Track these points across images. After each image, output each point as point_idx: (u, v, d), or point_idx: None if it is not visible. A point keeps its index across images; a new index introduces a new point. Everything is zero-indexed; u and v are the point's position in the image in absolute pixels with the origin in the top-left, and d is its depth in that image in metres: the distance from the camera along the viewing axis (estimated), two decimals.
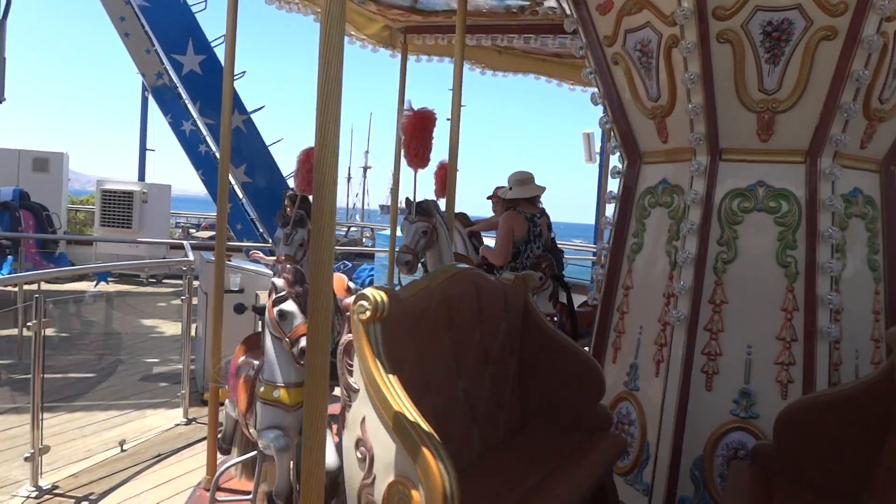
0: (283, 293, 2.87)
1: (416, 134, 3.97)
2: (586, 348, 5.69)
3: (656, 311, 3.37)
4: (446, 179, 4.92)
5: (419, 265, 4.60)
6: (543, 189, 5.27)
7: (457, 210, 5.30)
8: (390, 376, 2.13)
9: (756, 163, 3.16)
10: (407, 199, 4.26)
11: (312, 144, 4.38)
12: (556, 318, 4.85)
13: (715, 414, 3.13)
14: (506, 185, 5.38)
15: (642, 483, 3.29)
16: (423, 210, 4.06)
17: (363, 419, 2.17)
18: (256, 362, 3.19)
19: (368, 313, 2.19)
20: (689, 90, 3.07)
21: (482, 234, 6.09)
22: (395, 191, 6.15)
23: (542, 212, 5.25)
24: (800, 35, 2.88)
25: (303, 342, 2.71)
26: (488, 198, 6.08)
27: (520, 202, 5.18)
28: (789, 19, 2.87)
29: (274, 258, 4.00)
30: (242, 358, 3.37)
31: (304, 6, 5.16)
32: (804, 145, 3.09)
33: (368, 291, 2.23)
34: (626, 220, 3.68)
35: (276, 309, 2.85)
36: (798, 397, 2.96)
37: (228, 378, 3.45)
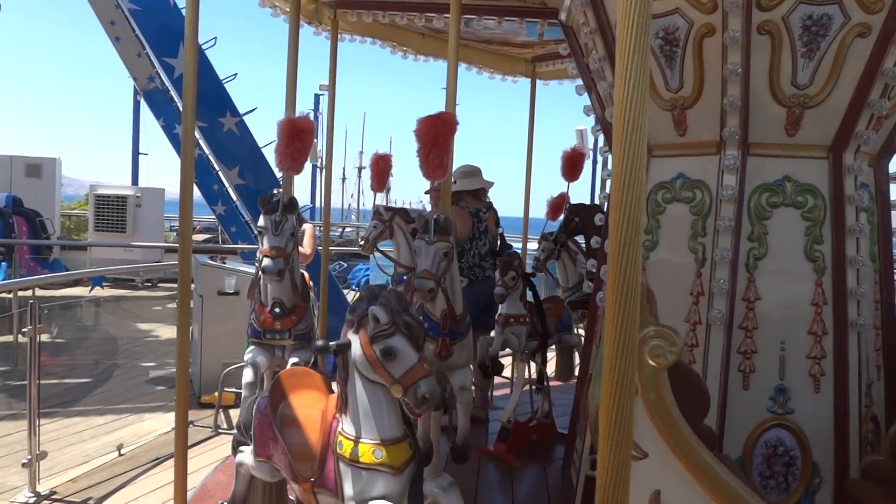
0: (386, 326, 2.28)
1: (437, 141, 3.40)
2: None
3: (681, 311, 3.26)
4: (382, 174, 4.82)
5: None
6: (491, 183, 5.05)
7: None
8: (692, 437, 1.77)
9: (783, 157, 3.15)
10: (425, 215, 3.65)
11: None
12: (527, 320, 4.61)
13: (753, 412, 3.10)
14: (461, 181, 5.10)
15: None
16: (442, 228, 3.36)
17: (657, 493, 1.81)
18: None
19: (670, 356, 1.74)
20: (727, 82, 3.00)
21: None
22: (327, 188, 5.95)
23: (489, 206, 4.99)
24: (836, 31, 2.89)
25: (424, 386, 2.24)
26: (426, 192, 5.61)
27: (463, 196, 4.86)
28: (829, 14, 2.88)
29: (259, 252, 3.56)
30: (283, 402, 2.79)
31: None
32: (828, 141, 3.13)
33: (663, 328, 1.75)
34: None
35: (378, 347, 2.28)
36: (829, 390, 3.00)
37: (257, 427, 2.87)
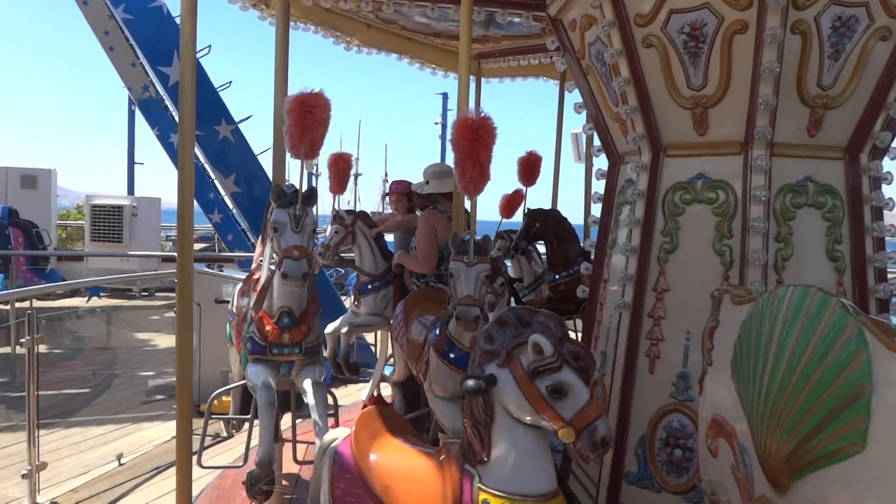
0: (552, 358, 1.90)
1: (472, 150, 3.01)
2: None
3: (707, 315, 3.25)
4: (342, 174, 4.65)
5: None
6: None
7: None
8: None
9: (805, 158, 3.15)
10: (460, 234, 3.16)
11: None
12: None
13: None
14: (425, 181, 4.82)
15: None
16: (482, 248, 3.02)
17: None
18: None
19: None
20: (759, 81, 2.95)
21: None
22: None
23: (465, 210, 4.68)
24: (861, 33, 2.91)
25: (601, 428, 1.90)
26: (386, 195, 5.40)
27: (438, 199, 4.53)
28: (856, 16, 2.89)
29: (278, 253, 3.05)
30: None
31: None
32: (843, 142, 3.15)
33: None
34: (609, 219, 3.70)
35: (544, 383, 1.90)
36: None
37: (338, 496, 2.38)
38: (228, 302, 5.93)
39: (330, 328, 4.80)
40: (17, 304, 7.00)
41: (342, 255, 4.92)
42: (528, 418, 1.96)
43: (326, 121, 3.08)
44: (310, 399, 3.20)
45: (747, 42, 2.96)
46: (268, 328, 3.19)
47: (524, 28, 5.23)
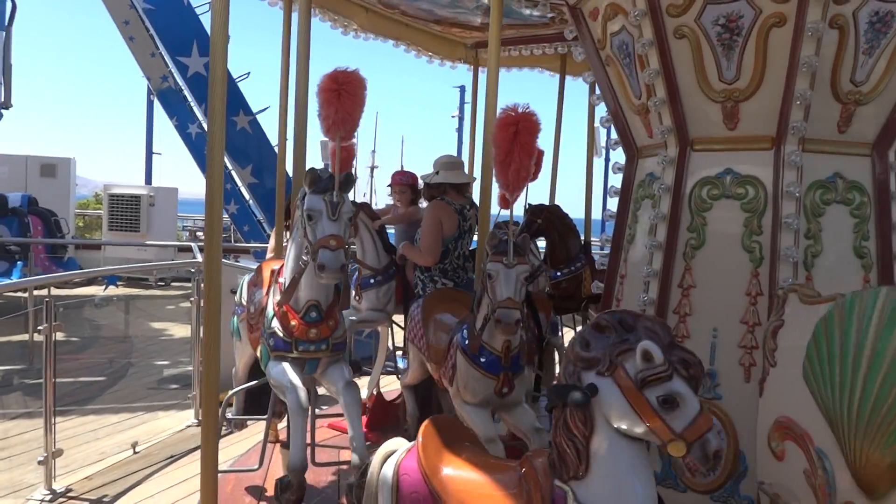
0: (663, 367, 1.77)
1: (514, 147, 2.90)
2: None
3: (736, 311, 3.10)
4: (345, 163, 4.19)
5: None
6: (474, 179, 4.57)
7: None
8: None
9: (834, 154, 3.10)
10: (499, 234, 3.07)
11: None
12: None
13: None
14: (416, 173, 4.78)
15: None
16: (521, 249, 2.89)
17: None
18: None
19: None
20: (796, 75, 2.90)
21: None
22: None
23: (472, 203, 4.49)
24: None
25: (713, 440, 1.78)
26: (389, 185, 5.07)
27: (447, 190, 4.35)
28: (892, 12, 2.84)
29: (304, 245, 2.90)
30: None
31: None
32: (871, 138, 3.11)
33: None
34: (626, 213, 3.64)
35: (654, 393, 1.77)
36: None
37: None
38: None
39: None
40: (35, 292, 7.06)
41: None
42: (636, 430, 1.81)
43: (362, 99, 2.92)
44: (343, 401, 3.05)
45: (784, 35, 2.89)
46: (293, 323, 3.01)
47: (526, 17, 5.16)
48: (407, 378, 4.01)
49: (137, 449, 4.88)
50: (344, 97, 2.87)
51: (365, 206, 4.68)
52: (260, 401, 3.90)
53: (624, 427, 1.83)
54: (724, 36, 3.02)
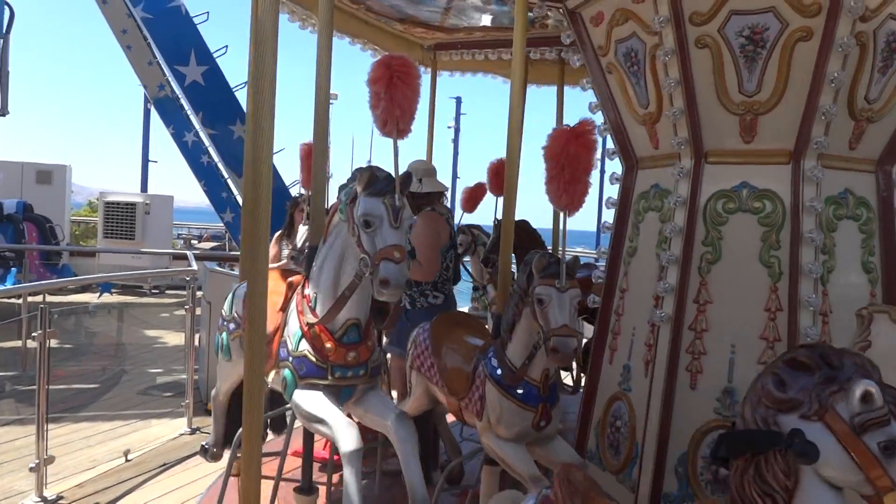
0: (881, 409, 1.58)
1: (568, 163, 2.72)
2: None
3: (755, 327, 3.08)
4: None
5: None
6: (446, 188, 4.45)
7: None
8: None
9: (845, 170, 3.14)
10: (546, 256, 2.73)
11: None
12: None
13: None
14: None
15: (630, 480, 3.30)
16: (571, 272, 2.69)
17: None
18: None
19: None
20: (820, 90, 2.90)
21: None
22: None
23: (450, 212, 4.40)
24: None
25: None
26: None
27: (434, 199, 4.19)
28: None
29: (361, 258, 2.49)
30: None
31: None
32: (877, 155, 3.17)
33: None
34: (624, 225, 3.62)
35: (876, 440, 1.57)
36: None
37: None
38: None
39: None
40: (30, 299, 7.05)
41: None
42: (850, 480, 1.60)
43: (418, 90, 2.63)
44: (396, 437, 2.63)
45: (810, 50, 2.89)
46: (329, 345, 2.66)
47: (480, 19, 5.16)
48: (405, 408, 3.50)
49: (130, 457, 4.87)
50: (399, 86, 2.54)
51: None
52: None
53: (836, 477, 1.62)
54: (748, 48, 2.98)
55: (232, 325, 3.30)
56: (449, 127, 28.39)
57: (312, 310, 2.73)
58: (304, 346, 2.70)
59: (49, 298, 7.02)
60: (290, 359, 2.74)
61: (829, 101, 2.90)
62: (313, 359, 2.68)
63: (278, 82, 2.31)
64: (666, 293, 3.18)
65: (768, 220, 3.08)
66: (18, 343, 6.76)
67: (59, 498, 4.17)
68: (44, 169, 13.82)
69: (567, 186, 2.75)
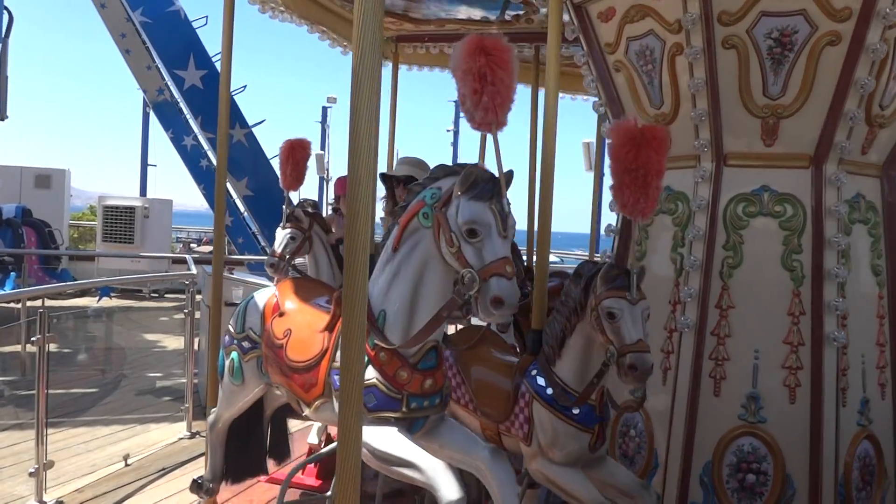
0: None
1: (638, 165, 2.46)
2: None
3: (778, 332, 3.08)
4: (299, 164, 3.81)
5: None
6: None
7: None
8: None
9: (858, 175, 3.16)
10: (614, 265, 2.52)
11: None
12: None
13: (847, 428, 3.07)
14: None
15: None
16: (641, 281, 2.47)
17: None
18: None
19: None
20: (847, 95, 2.91)
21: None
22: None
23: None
24: None
25: None
26: (337, 195, 4.35)
27: None
28: None
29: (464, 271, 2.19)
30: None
31: (296, 17, 4.98)
32: (882, 160, 3.23)
33: None
34: (630, 229, 3.57)
35: None
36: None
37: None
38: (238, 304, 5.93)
39: None
40: (29, 303, 7.05)
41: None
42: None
43: (516, 75, 2.35)
44: (492, 477, 2.28)
45: (837, 54, 2.89)
46: (404, 373, 2.35)
47: (440, 11, 4.95)
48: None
49: (129, 461, 4.85)
50: (497, 73, 2.18)
51: (317, 217, 3.97)
52: (243, 461, 3.47)
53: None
54: (776, 50, 2.95)
55: (246, 344, 3.00)
56: (448, 130, 28.38)
57: (379, 330, 2.38)
58: (372, 374, 2.34)
59: (48, 303, 7.00)
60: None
61: (854, 106, 2.91)
62: (384, 388, 2.33)
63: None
64: (689, 299, 3.14)
65: (790, 223, 3.07)
66: (18, 348, 6.76)
67: (59, 502, 4.15)
68: (43, 173, 13.84)
69: (641, 192, 2.45)
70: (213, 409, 3.39)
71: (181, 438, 5.38)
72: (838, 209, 2.99)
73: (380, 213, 4.25)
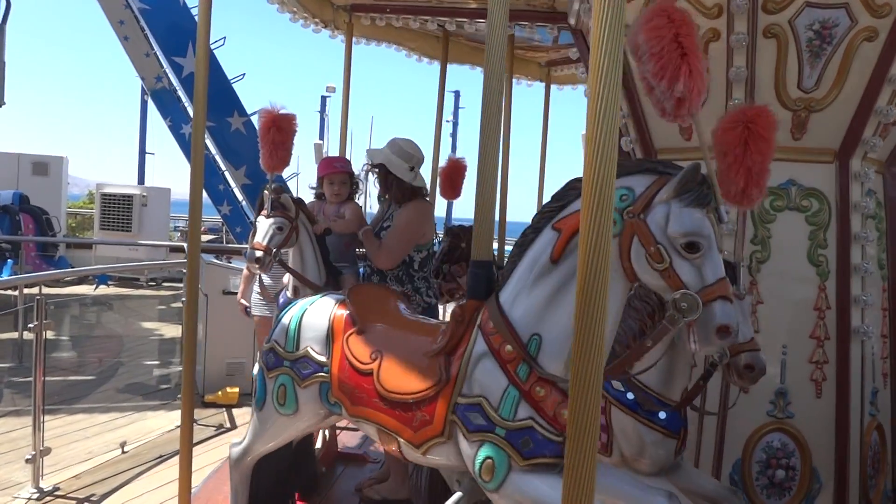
0: None
1: (742, 153, 2.26)
2: None
3: (805, 326, 3.08)
4: (284, 142, 3.49)
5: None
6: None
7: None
8: None
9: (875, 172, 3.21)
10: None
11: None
12: None
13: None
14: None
15: None
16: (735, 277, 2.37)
17: None
18: None
19: None
20: (879, 90, 2.89)
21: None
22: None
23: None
24: None
25: None
26: (321, 177, 3.90)
27: (419, 192, 3.58)
28: None
29: None
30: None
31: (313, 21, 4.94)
32: (885, 157, 3.23)
33: None
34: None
35: None
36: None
37: None
38: (235, 293, 5.90)
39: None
40: (26, 290, 7.03)
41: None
42: None
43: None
44: None
45: (872, 51, 2.88)
46: (566, 411, 1.86)
47: None
48: None
49: (126, 448, 4.87)
50: (692, 49, 1.86)
51: (301, 204, 3.63)
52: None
53: None
54: (815, 42, 2.91)
55: (304, 367, 2.55)
56: (447, 121, 28.35)
57: (532, 358, 2.02)
58: (527, 413, 1.99)
59: (45, 290, 6.99)
60: (499, 431, 1.99)
61: (885, 102, 2.90)
62: (543, 430, 1.97)
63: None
64: None
65: (816, 218, 3.08)
66: (15, 335, 6.75)
67: (56, 489, 4.17)
68: (40, 160, 13.79)
69: (755, 179, 2.23)
70: (235, 442, 2.97)
71: (178, 426, 5.37)
72: (864, 204, 3.01)
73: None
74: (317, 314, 2.61)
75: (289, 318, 2.68)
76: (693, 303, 1.82)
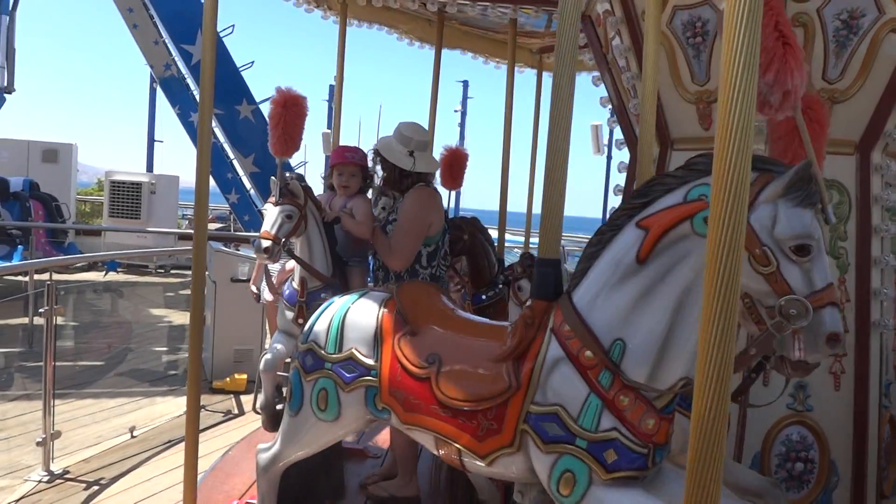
0: None
1: (794, 140, 2.13)
2: None
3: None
4: (296, 124, 3.36)
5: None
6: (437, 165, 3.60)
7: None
8: None
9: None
10: None
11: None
12: None
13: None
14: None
15: None
16: None
17: None
18: None
19: None
20: None
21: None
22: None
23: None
24: None
25: None
26: (332, 166, 3.63)
27: (425, 178, 3.37)
28: None
29: None
30: None
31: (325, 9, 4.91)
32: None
33: None
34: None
35: None
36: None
37: None
38: (244, 280, 5.90)
39: (269, 361, 3.42)
40: (36, 276, 7.10)
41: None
42: None
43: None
44: None
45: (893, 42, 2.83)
46: (651, 421, 1.89)
47: None
48: None
49: (135, 433, 4.92)
50: (788, 31, 1.77)
51: (311, 192, 3.44)
52: None
53: None
54: (842, 32, 2.88)
55: (348, 371, 2.39)
56: (456, 111, 28.26)
57: (615, 365, 1.91)
58: (610, 423, 1.88)
59: (55, 276, 7.06)
60: (580, 442, 1.89)
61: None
62: (627, 441, 1.87)
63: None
64: None
65: (837, 211, 3.04)
66: (25, 320, 6.82)
67: (65, 472, 4.22)
68: (50, 147, 13.84)
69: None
70: (263, 447, 2.82)
71: (186, 412, 5.43)
72: (886, 196, 2.99)
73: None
74: (362, 313, 2.43)
75: (328, 317, 2.49)
76: (803, 309, 1.72)
